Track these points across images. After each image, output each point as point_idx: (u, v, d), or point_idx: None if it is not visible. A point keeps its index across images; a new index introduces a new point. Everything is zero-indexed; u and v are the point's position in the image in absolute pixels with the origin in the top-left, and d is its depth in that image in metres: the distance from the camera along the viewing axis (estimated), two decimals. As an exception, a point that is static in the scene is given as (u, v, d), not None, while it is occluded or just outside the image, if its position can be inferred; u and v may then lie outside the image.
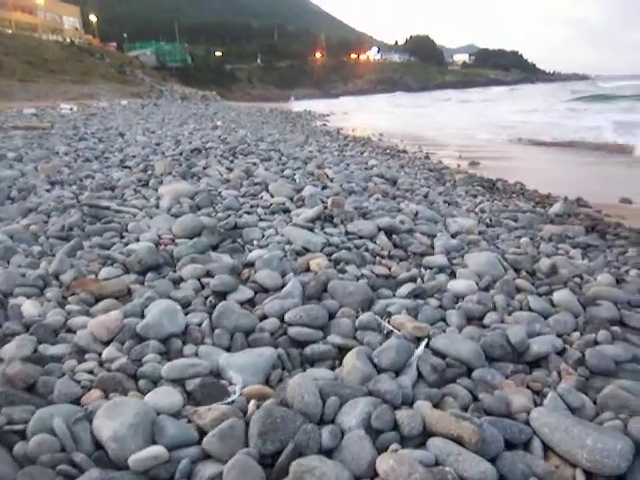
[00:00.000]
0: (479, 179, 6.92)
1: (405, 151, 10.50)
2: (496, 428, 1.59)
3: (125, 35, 72.78)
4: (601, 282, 2.97)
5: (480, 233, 3.75)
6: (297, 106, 36.47)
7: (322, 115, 25.22)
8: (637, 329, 2.54)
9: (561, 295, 2.65)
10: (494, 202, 5.21)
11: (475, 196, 5.58)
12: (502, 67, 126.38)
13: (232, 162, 5.84)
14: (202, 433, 1.57)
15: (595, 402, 1.86)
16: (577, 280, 3.00)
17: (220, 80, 64.42)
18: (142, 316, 2.23)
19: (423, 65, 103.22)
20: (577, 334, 2.36)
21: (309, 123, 18.32)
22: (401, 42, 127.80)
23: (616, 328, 2.45)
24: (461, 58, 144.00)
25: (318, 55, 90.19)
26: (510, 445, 1.61)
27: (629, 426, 1.67)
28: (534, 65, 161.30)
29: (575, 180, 7.85)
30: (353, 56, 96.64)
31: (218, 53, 79.13)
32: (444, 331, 2.26)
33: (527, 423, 1.68)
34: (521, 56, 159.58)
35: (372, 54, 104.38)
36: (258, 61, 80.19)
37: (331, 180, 5.13)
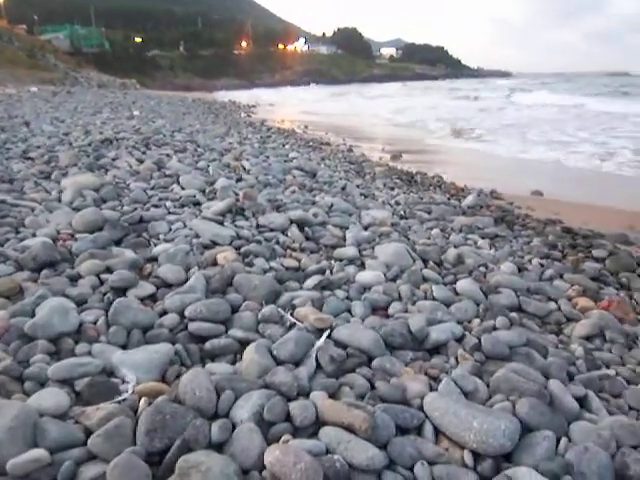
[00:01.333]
0: (399, 172, 7.11)
1: (329, 143, 10.60)
2: (388, 414, 1.64)
3: (36, 17, 68.83)
4: (503, 271, 3.13)
5: (393, 225, 3.85)
6: (222, 96, 35.90)
7: (247, 106, 24.94)
8: (534, 315, 2.70)
9: (464, 284, 2.78)
10: (410, 194, 5.37)
11: (393, 188, 5.73)
12: (428, 62, 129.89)
13: (144, 153, 5.67)
14: (89, 434, 1.53)
15: (489, 385, 1.97)
16: (482, 269, 3.15)
17: (141, 68, 62.22)
18: (32, 315, 2.13)
19: (350, 58, 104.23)
20: (478, 321, 2.48)
21: (233, 114, 18.07)
22: (329, 34, 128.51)
23: (514, 314, 2.60)
24: (388, 52, 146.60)
25: (244, 44, 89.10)
26: (404, 430, 1.68)
27: (517, 407, 1.77)
28: (459, 61, 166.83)
29: (493, 173, 8.21)
30: (280, 47, 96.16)
31: (138, 39, 76.38)
32: (348, 322, 2.30)
33: (421, 408, 1.75)
34: (447, 52, 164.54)
35: (299, 45, 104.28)
36: (181, 49, 78.06)
37: (248, 172, 5.10)
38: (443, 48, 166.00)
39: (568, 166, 9.19)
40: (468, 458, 1.59)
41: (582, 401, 1.97)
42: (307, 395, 1.74)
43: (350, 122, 17.85)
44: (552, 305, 2.82)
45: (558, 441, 1.68)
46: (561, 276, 3.24)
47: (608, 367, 2.30)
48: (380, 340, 2.09)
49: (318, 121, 17.56)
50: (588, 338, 2.54)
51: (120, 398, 1.69)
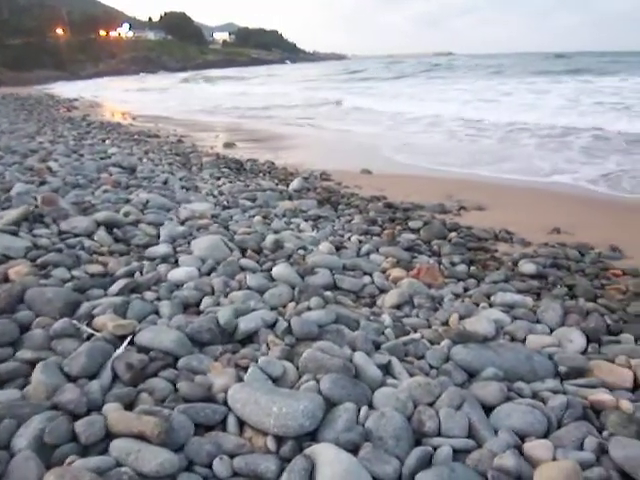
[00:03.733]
0: (228, 161, 7.06)
1: (157, 135, 10.24)
2: (187, 415, 1.63)
3: None
4: (321, 251, 3.25)
5: (214, 217, 3.82)
6: (40, 90, 33.14)
7: (68, 100, 23.30)
8: (349, 291, 2.84)
9: (279, 269, 2.83)
10: (236, 183, 5.37)
11: (219, 178, 5.69)
12: (263, 46, 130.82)
13: None
14: None
15: (298, 368, 2.03)
16: (301, 252, 3.23)
17: None
18: None
19: (181, 44, 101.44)
20: (293, 304, 2.55)
21: (50, 110, 16.77)
22: (155, 19, 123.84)
23: (329, 293, 2.70)
24: (222, 37, 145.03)
25: (60, 32, 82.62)
26: (208, 427, 1.67)
27: (320, 384, 1.85)
28: (295, 45, 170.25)
29: (327, 155, 8.49)
30: (102, 33, 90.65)
31: None
32: (155, 324, 2.24)
33: (226, 402, 1.76)
34: (281, 36, 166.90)
35: (124, 31, 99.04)
36: (-17, 39, 70.42)
37: (54, 174, 4.74)
38: (277, 32, 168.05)
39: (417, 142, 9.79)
40: (271, 444, 1.62)
41: (387, 368, 2.11)
42: (100, 409, 1.66)
43: (186, 112, 17.39)
44: (366, 279, 2.98)
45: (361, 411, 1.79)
46: (378, 250, 3.44)
47: (416, 331, 2.48)
48: (184, 339, 2.06)
49: (149, 113, 16.89)
50: (399, 306, 2.73)
51: None
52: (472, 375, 2.16)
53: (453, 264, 3.37)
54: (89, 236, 3.17)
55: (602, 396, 2.06)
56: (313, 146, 9.74)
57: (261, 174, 6.27)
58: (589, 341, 2.53)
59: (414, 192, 5.76)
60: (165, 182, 4.98)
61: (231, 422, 1.70)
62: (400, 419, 1.73)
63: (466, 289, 3.02)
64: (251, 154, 8.01)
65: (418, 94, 20.70)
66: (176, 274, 2.72)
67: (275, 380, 1.94)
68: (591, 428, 1.87)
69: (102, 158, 6.06)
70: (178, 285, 2.64)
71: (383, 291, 2.87)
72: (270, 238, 3.27)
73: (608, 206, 5.52)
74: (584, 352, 2.46)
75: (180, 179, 5.30)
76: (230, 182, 5.42)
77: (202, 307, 2.43)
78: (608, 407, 2.00)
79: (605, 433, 1.87)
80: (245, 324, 2.21)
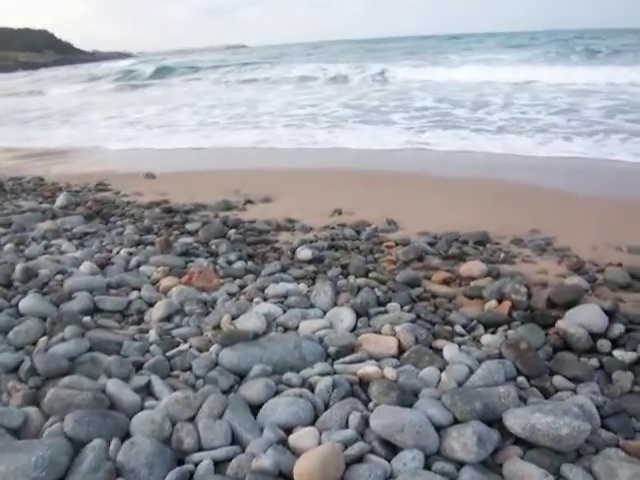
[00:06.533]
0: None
1: None
2: None
3: None
4: (82, 272, 3.03)
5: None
6: None
7: None
8: (113, 311, 2.68)
9: (26, 302, 2.58)
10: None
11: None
12: (33, 48, 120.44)
13: None
14: None
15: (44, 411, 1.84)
16: (59, 277, 2.98)
17: None
18: None
19: None
20: (45, 339, 2.32)
21: None
22: None
23: (88, 318, 2.52)
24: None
25: None
26: None
27: (64, 425, 1.70)
28: (71, 45, 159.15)
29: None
30: None
31: None
32: None
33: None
34: (53, 35, 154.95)
35: None
36: None
37: None
38: (48, 32, 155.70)
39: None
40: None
41: (149, 388, 2.02)
42: None
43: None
44: (134, 295, 2.84)
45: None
46: (149, 260, 3.30)
47: (186, 341, 2.41)
48: None
49: None
50: (169, 318, 2.63)
51: None
52: (243, 376, 2.15)
53: (230, 262, 3.35)
54: None
55: (367, 368, 2.18)
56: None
57: (24, 193, 5.70)
58: (359, 316, 2.67)
59: (200, 191, 5.67)
60: None
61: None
62: (151, 444, 1.66)
63: (243, 286, 3.02)
64: (16, 172, 7.29)
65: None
66: None
67: (17, 431, 1.75)
68: (356, 403, 1.96)
69: None
70: None
71: (152, 304, 2.75)
72: (19, 267, 2.96)
73: (386, 182, 5.95)
74: (354, 328, 2.59)
75: None
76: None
77: None
78: (374, 378, 2.11)
79: (371, 405, 1.98)
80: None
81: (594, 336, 2.48)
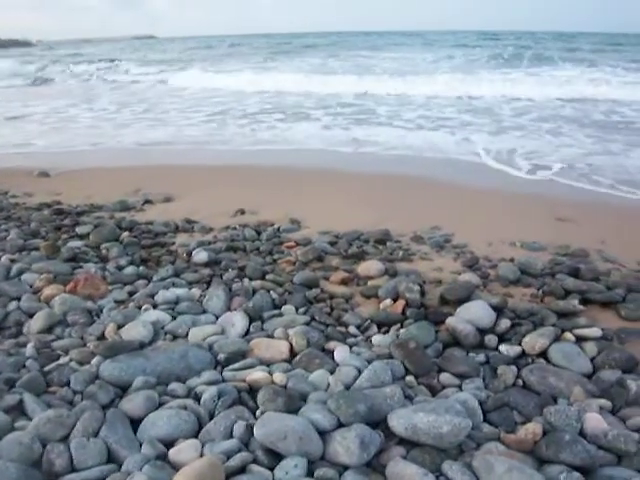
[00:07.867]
0: None
1: None
2: None
3: None
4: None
5: None
6: None
7: None
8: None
9: None
10: None
11: None
12: None
13: None
14: None
15: None
16: None
17: None
18: None
19: None
20: None
21: None
22: None
23: None
24: None
25: None
26: None
27: None
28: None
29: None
30: None
31: None
32: None
33: None
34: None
35: None
36: None
37: None
38: None
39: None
40: None
41: (21, 408, 1.91)
42: None
43: None
44: (13, 305, 2.69)
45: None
46: (32, 267, 3.13)
47: (67, 354, 2.30)
48: None
49: None
50: (50, 329, 2.51)
51: None
52: (125, 389, 2.08)
53: (120, 268, 3.23)
54: None
55: (256, 374, 2.16)
56: None
57: None
58: (252, 320, 2.65)
59: (98, 191, 5.45)
60: None
61: None
62: (16, 469, 1.57)
63: (133, 293, 2.92)
64: None
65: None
66: None
67: None
68: (242, 412, 1.94)
69: None
70: None
71: (32, 315, 2.61)
72: None
73: (289, 181, 5.94)
74: (247, 333, 2.57)
75: None
76: None
77: None
78: (264, 384, 2.10)
79: (258, 412, 1.96)
80: None
81: (482, 332, 2.59)
